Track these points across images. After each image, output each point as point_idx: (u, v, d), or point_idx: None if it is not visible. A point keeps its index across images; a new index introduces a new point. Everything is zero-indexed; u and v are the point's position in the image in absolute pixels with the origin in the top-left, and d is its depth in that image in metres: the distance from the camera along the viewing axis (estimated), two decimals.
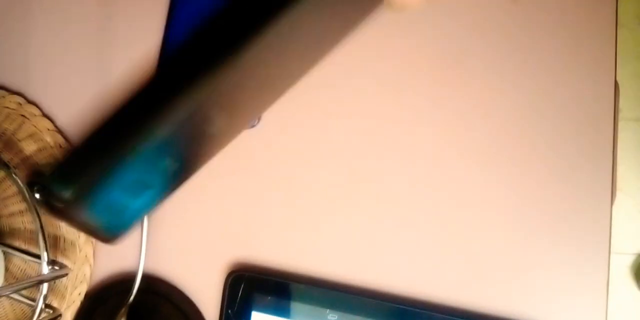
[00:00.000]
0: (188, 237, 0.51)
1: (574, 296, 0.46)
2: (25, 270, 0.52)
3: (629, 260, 1.50)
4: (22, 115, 0.52)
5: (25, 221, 0.52)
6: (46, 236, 0.49)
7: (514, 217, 0.46)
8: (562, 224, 0.46)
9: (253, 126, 0.49)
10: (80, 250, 0.51)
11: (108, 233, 0.30)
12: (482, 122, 0.47)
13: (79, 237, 0.51)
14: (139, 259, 0.50)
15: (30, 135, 0.52)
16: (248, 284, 0.49)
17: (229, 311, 0.49)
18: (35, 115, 0.52)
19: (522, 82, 0.46)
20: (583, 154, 0.46)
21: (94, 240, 0.52)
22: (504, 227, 0.46)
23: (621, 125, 1.51)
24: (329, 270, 0.49)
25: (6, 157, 0.52)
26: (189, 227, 0.51)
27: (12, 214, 0.52)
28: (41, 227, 0.49)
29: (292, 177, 0.49)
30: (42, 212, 0.50)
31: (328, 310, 0.47)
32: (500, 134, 0.46)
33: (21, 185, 0.49)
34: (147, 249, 0.50)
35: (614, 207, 0.46)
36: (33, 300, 0.50)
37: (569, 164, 0.46)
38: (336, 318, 0.47)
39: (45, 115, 0.53)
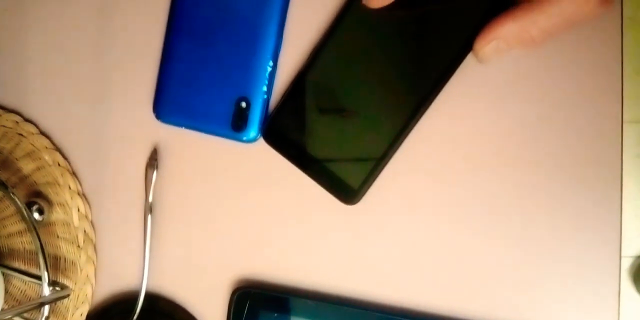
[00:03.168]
0: (191, 253, 0.50)
1: (584, 304, 0.45)
2: (25, 291, 0.51)
3: (627, 263, 1.50)
4: (20, 134, 0.51)
5: (25, 241, 0.51)
6: (46, 256, 0.48)
7: (520, 224, 0.46)
8: (571, 232, 0.45)
9: (255, 140, 0.48)
10: (81, 270, 0.50)
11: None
12: (486, 127, 0.46)
13: (79, 256, 0.50)
14: (142, 277, 0.49)
15: (28, 154, 0.51)
16: (254, 301, 0.48)
17: None
18: (32, 134, 0.51)
19: (527, 88, 0.46)
20: (591, 160, 0.45)
21: (94, 259, 0.51)
22: (508, 235, 0.46)
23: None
24: (337, 285, 0.48)
25: (4, 176, 0.51)
26: (191, 243, 0.50)
27: (10, 235, 0.51)
28: (41, 247, 0.48)
29: (295, 192, 0.48)
30: (41, 232, 0.49)
31: None
32: (506, 139, 0.46)
33: (20, 205, 0.48)
34: (149, 267, 0.49)
35: None
36: None
37: (577, 169, 0.45)
38: None
39: (42, 133, 0.52)
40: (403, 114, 0.45)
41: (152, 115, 0.49)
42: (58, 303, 0.50)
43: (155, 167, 0.49)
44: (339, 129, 0.46)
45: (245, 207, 0.49)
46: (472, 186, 0.46)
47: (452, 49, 0.43)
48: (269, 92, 0.48)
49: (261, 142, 0.48)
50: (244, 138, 0.48)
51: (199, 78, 0.48)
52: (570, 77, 0.45)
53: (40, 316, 0.48)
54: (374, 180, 0.46)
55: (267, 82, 0.48)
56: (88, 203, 0.51)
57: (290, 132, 0.47)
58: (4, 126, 0.52)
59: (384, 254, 0.47)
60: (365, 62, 0.45)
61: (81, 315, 0.51)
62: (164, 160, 0.50)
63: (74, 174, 0.51)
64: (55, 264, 0.50)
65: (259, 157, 0.49)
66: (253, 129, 0.48)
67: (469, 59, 0.42)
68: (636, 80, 1.47)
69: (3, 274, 0.51)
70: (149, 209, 0.49)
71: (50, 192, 0.50)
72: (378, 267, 0.47)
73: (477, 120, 0.46)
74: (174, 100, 0.49)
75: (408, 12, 0.44)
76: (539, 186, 0.46)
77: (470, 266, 0.46)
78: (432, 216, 0.47)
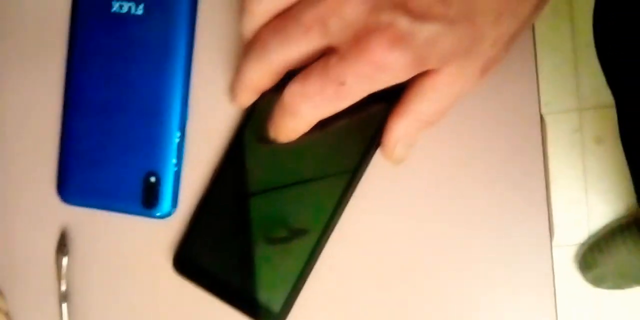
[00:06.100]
0: None
1: (519, 294, 0.45)
2: None
3: (572, 251, 1.52)
4: None
5: None
6: None
7: (448, 227, 0.45)
8: (499, 229, 0.45)
9: (169, 215, 0.46)
10: None
11: None
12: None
13: None
14: None
15: None
16: None
17: None
18: None
19: None
20: (514, 156, 0.45)
21: None
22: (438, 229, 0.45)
23: (548, 119, 1.52)
24: None
25: None
26: None
27: None
28: None
29: None
30: None
31: None
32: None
33: None
34: None
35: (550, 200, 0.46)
36: None
37: (501, 165, 0.45)
38: None
39: None
40: (317, 226, 0.43)
41: (57, 198, 0.46)
42: None
43: (65, 252, 0.46)
44: (253, 250, 0.44)
45: (167, 284, 0.47)
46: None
47: (358, 151, 0.42)
48: (178, 164, 0.45)
49: (177, 216, 0.46)
50: (157, 214, 0.45)
51: (102, 155, 0.46)
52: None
53: None
54: (294, 301, 0.44)
55: (176, 154, 0.45)
56: (2, 294, 0.48)
57: (201, 260, 0.45)
58: None
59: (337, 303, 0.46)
60: (269, 178, 0.44)
61: None
62: (75, 243, 0.47)
63: None
64: None
65: (175, 231, 0.46)
66: (166, 204, 0.45)
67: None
68: (561, 69, 1.49)
69: None
70: (62, 296, 0.46)
71: None
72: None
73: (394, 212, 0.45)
74: (78, 180, 0.46)
75: None
76: (466, 192, 0.45)
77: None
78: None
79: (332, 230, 0.43)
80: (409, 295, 0.45)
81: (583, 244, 1.51)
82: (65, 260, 0.46)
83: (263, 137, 0.43)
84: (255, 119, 0.43)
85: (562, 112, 1.51)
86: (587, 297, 1.53)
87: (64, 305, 0.46)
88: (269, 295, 0.44)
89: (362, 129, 0.42)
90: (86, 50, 0.46)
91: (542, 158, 0.45)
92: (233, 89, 0.41)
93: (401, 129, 0.39)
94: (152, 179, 0.45)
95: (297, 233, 0.43)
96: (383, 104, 0.41)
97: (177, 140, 0.45)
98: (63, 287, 0.46)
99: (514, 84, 0.44)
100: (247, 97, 0.41)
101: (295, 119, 0.38)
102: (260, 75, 0.39)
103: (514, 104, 0.44)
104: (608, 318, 1.54)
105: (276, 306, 0.44)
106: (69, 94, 0.46)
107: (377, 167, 0.44)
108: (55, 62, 0.47)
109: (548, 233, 0.45)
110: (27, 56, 0.47)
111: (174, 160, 0.45)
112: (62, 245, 0.46)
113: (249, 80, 0.39)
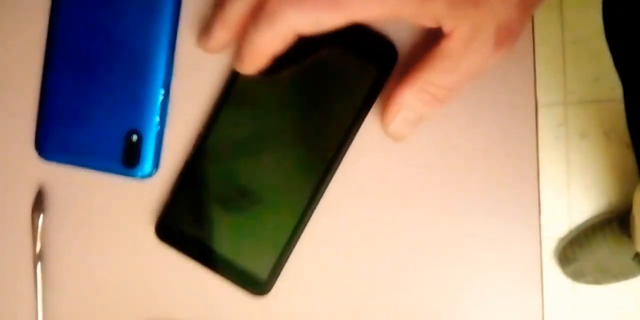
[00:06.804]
0: (88, 302, 0.46)
1: (506, 290, 0.45)
2: None
3: (552, 245, 1.52)
4: None
5: None
6: None
7: (440, 213, 0.44)
8: (489, 218, 0.44)
9: (151, 176, 0.44)
10: None
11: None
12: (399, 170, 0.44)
13: None
14: None
15: None
16: None
17: None
18: None
19: None
20: (507, 146, 0.44)
21: None
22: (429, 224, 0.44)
23: None
24: None
25: None
26: (88, 291, 0.46)
27: None
28: None
29: None
30: None
31: None
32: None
33: None
34: (44, 318, 0.45)
35: None
36: None
37: (493, 156, 0.44)
38: None
39: None
40: (305, 193, 0.42)
41: (35, 153, 0.45)
42: None
43: (41, 210, 0.45)
44: (239, 217, 0.43)
45: (147, 247, 0.45)
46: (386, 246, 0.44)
47: (346, 119, 0.41)
48: (162, 123, 0.44)
49: (158, 178, 0.45)
50: (138, 174, 0.44)
51: (83, 110, 0.44)
52: None
53: None
54: (282, 267, 0.43)
55: (159, 113, 0.44)
56: None
57: (186, 226, 0.44)
58: None
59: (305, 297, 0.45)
60: (256, 143, 0.42)
61: None
62: (52, 202, 0.46)
63: None
64: None
65: (155, 194, 0.45)
66: (147, 164, 0.44)
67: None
68: (549, 62, 1.48)
69: None
70: (37, 256, 0.45)
71: None
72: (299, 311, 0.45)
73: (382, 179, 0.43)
74: (58, 135, 0.45)
75: (292, 83, 0.42)
76: (458, 180, 0.44)
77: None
78: (345, 298, 0.45)
79: (320, 198, 0.42)
80: (396, 271, 0.44)
81: (563, 238, 1.51)
82: (41, 219, 0.45)
83: (251, 99, 0.42)
84: (243, 80, 0.42)
85: (548, 105, 1.51)
86: (566, 291, 1.53)
87: (39, 265, 0.45)
88: (255, 263, 0.43)
89: (352, 95, 0.41)
90: (70, 4, 0.44)
91: (535, 149, 0.44)
92: (210, 27, 0.38)
93: (404, 97, 0.38)
94: (134, 138, 0.44)
95: (284, 200, 0.42)
96: (373, 71, 0.40)
97: (161, 98, 0.44)
98: (38, 247, 0.45)
99: (511, 73, 0.43)
100: (224, 36, 0.38)
101: (274, 29, 0.34)
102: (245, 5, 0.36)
103: (511, 94, 0.44)
104: (586, 312, 1.54)
105: (263, 274, 0.43)
106: (51, 48, 0.45)
107: (372, 145, 0.43)
108: (38, 15, 0.45)
109: (538, 223, 0.46)
110: (9, 8, 0.46)
111: (157, 119, 0.44)
112: (39, 203, 0.45)
113: (232, 13, 0.37)
